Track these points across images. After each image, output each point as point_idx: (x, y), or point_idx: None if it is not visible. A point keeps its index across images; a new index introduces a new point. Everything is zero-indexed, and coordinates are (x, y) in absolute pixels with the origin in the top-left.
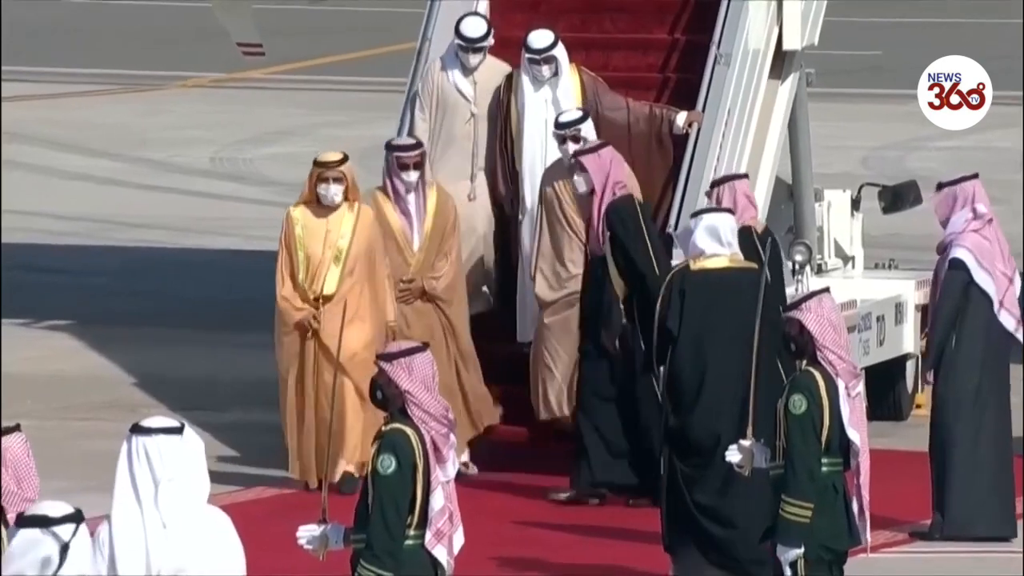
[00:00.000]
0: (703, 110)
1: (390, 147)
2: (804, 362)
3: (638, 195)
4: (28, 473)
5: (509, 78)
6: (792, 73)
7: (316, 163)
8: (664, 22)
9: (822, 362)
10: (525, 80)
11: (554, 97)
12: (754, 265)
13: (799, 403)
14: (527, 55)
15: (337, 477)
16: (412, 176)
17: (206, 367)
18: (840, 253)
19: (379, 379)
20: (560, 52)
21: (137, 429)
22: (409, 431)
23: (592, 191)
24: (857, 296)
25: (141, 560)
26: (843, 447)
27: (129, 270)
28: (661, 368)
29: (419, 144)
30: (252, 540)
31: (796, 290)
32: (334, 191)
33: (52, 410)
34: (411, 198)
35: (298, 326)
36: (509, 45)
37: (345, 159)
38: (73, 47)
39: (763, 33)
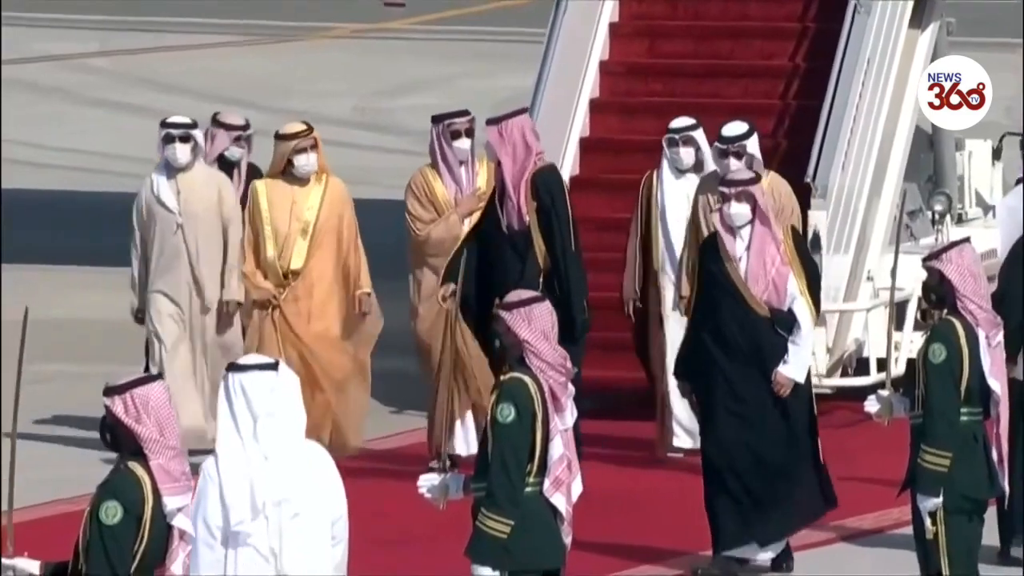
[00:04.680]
0: (842, 60)
1: (438, 118)
2: (944, 311)
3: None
4: (170, 421)
5: (650, 177)
6: (932, 22)
7: (287, 136)
8: None
9: (962, 312)
10: (667, 171)
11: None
12: None
13: (938, 352)
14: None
15: None
16: (464, 144)
17: None
18: (981, 203)
19: (498, 328)
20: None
21: (233, 367)
22: (528, 380)
23: (498, 163)
24: (998, 246)
25: (247, 491)
26: (983, 396)
27: None
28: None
29: (468, 111)
30: (380, 487)
31: (936, 240)
32: (313, 159)
33: None
34: (462, 172)
35: (258, 304)
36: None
37: (312, 127)
38: None
39: None
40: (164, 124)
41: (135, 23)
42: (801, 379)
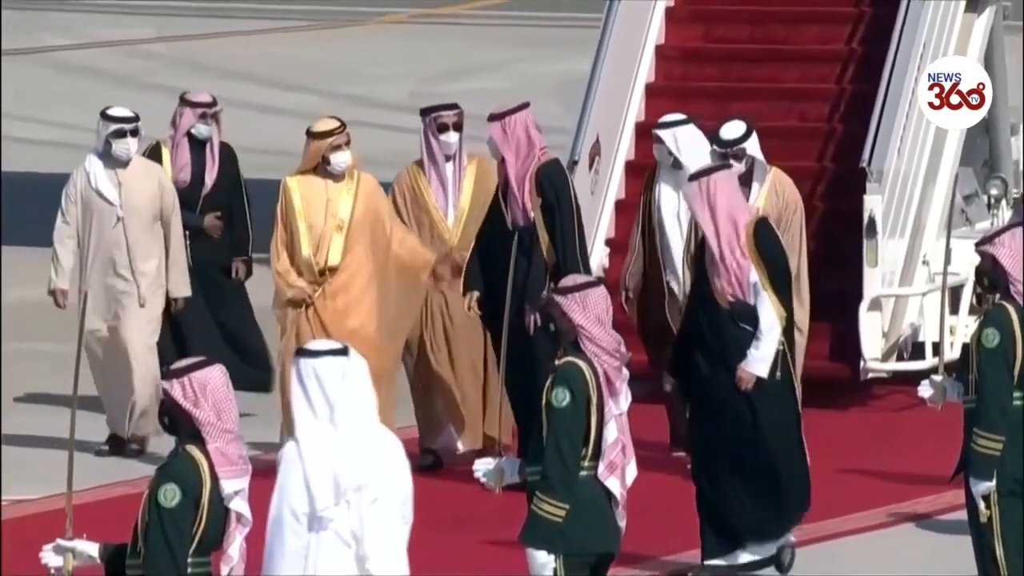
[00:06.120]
0: (898, 44)
1: (426, 111)
2: (997, 296)
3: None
4: (227, 405)
5: (652, 171)
6: (988, 6)
7: (321, 133)
8: None
9: (1015, 296)
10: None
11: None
12: None
13: (991, 337)
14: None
15: None
16: (452, 138)
17: None
18: None
19: (553, 312)
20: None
21: (303, 352)
22: (582, 364)
23: (502, 160)
24: None
25: (330, 478)
26: None
27: None
28: None
29: (457, 105)
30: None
31: (991, 224)
32: (348, 156)
33: None
34: (449, 168)
35: (292, 302)
36: None
37: (344, 124)
38: None
39: None
40: (111, 118)
41: (193, 9)
42: (763, 374)
